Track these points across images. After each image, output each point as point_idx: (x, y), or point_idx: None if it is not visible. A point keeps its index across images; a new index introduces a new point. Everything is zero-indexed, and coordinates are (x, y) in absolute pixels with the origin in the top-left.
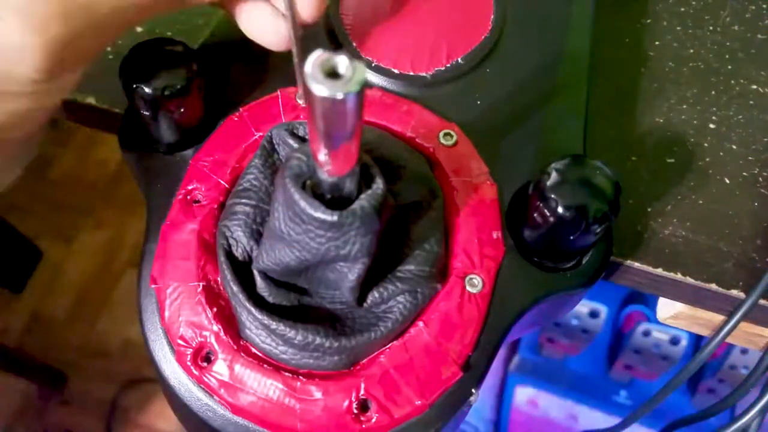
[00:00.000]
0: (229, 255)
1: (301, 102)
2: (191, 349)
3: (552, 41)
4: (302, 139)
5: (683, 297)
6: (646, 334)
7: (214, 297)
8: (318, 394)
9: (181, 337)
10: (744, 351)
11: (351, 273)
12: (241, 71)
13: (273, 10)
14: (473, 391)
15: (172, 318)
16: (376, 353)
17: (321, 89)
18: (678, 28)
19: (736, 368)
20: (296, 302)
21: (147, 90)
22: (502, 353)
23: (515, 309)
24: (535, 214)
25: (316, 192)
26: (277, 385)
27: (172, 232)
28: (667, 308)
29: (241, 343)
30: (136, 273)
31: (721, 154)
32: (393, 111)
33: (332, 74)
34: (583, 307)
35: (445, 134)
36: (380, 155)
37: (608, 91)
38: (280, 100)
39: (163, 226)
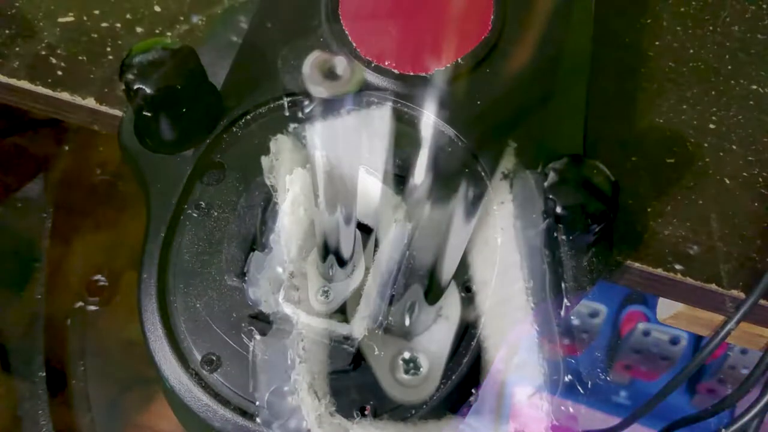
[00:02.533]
0: None
1: None
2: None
3: (552, 41)
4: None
5: (683, 297)
6: (646, 334)
7: None
8: None
9: None
10: (744, 351)
11: None
12: (241, 71)
13: None
14: (473, 391)
15: None
16: None
17: (319, 91)
18: (678, 28)
19: (736, 368)
20: None
21: (147, 90)
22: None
23: None
24: None
25: None
26: None
27: None
28: (666, 308)
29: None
30: (136, 273)
31: (721, 154)
32: None
33: (330, 75)
34: (583, 307)
35: None
36: None
37: (608, 91)
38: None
39: None
